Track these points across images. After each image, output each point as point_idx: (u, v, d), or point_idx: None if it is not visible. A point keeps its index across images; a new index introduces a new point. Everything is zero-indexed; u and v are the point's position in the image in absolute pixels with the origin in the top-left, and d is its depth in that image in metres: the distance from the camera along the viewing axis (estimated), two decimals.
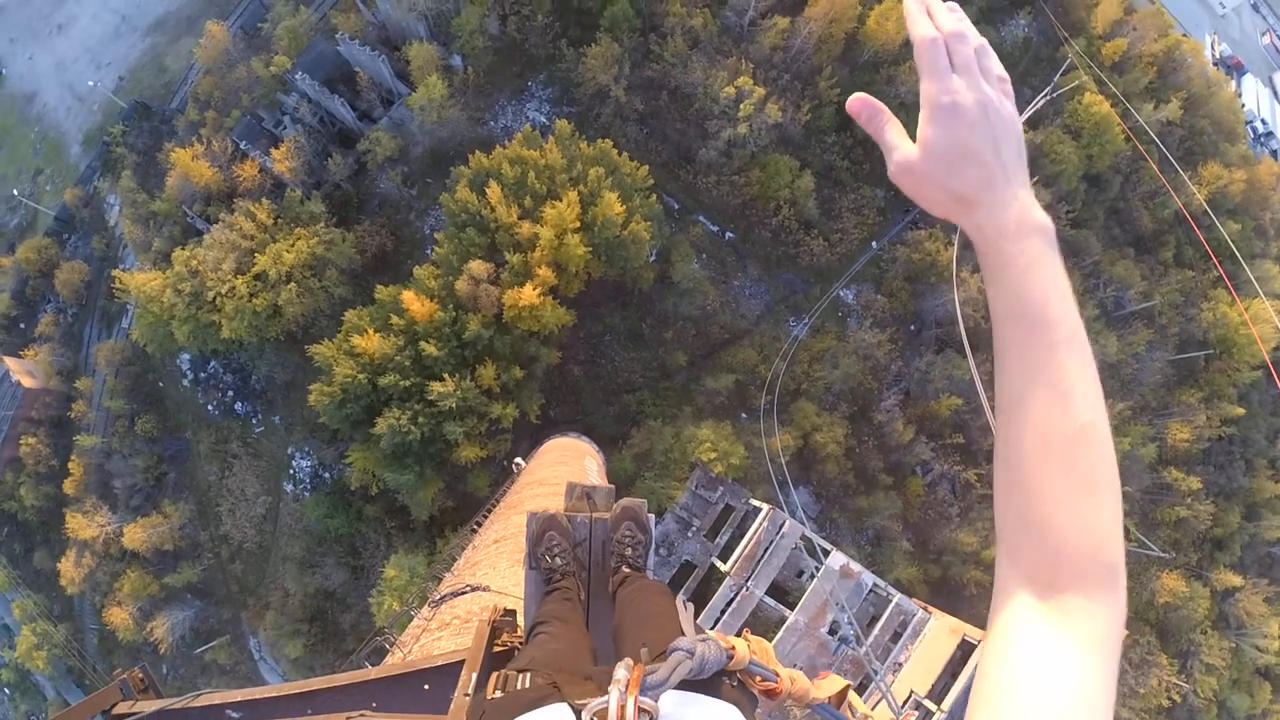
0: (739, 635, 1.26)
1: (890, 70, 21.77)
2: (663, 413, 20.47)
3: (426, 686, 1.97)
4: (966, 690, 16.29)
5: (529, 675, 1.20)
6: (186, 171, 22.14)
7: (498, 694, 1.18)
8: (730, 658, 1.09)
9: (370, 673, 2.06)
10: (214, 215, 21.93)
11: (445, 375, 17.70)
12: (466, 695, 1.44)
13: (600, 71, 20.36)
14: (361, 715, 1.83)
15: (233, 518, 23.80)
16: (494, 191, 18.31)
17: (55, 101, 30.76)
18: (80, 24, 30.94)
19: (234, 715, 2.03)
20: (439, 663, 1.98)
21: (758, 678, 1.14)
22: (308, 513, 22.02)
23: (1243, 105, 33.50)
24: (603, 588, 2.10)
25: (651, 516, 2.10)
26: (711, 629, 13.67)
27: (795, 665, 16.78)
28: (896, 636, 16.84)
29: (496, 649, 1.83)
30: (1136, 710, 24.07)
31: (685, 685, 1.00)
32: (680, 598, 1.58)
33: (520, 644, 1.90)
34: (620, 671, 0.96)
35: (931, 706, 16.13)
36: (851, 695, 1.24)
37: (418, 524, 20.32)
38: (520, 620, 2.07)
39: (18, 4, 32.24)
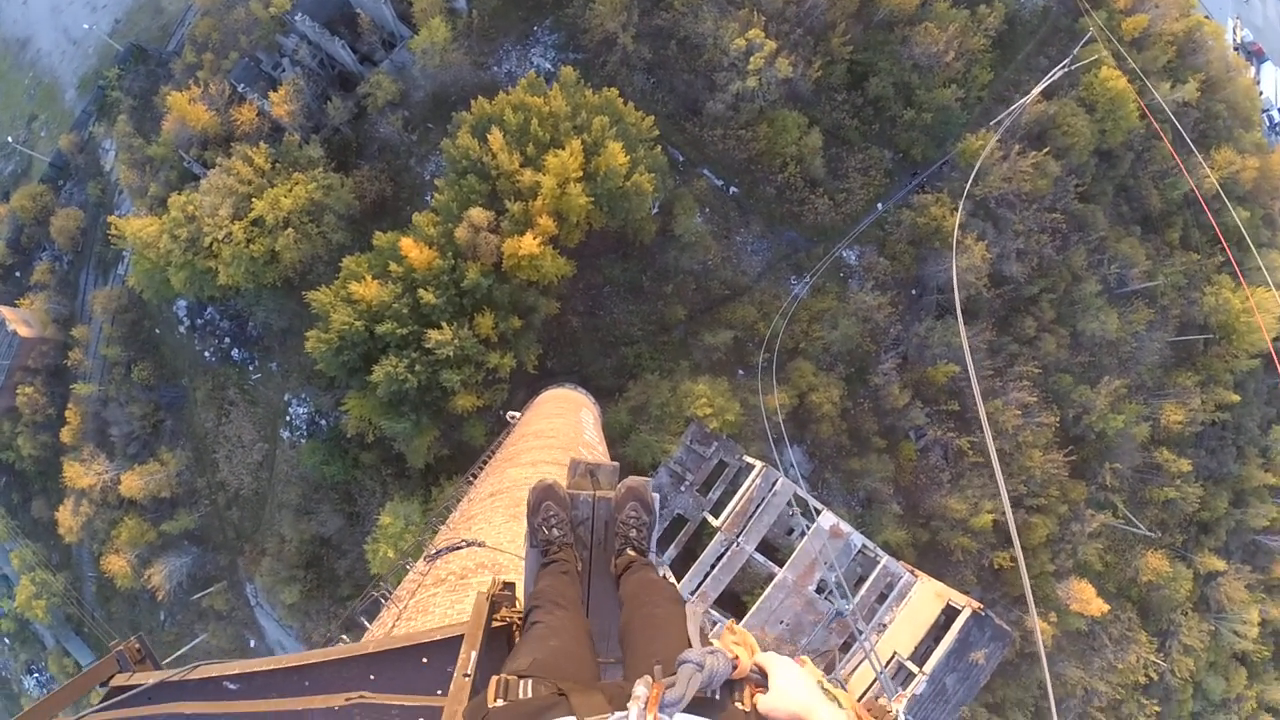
0: (726, 628, 1.26)
1: (905, 30, 21.25)
2: (660, 366, 20.38)
3: (425, 660, 1.95)
4: (949, 655, 16.60)
5: (531, 682, 1.17)
6: (183, 115, 21.68)
7: (499, 702, 1.14)
8: (735, 667, 1.11)
9: (368, 645, 2.04)
10: (211, 160, 21.55)
11: (443, 323, 17.58)
12: (466, 675, 1.43)
13: (608, 18, 19.86)
14: (360, 696, 1.79)
15: (229, 464, 23.89)
16: (496, 138, 17.98)
17: (50, 46, 30.02)
18: None
19: (231, 687, 2.00)
20: (437, 637, 1.95)
21: (753, 683, 1.14)
22: (304, 459, 22.07)
23: (1260, 93, 32.93)
24: (605, 568, 2.07)
25: (657, 497, 2.06)
26: (700, 584, 13.74)
27: (782, 623, 16.97)
28: (882, 598, 17.09)
29: (495, 624, 1.82)
30: (1114, 685, 24.59)
31: (693, 708, 1.00)
32: (689, 605, 1.52)
33: (519, 620, 1.86)
34: (640, 689, 0.97)
35: (913, 668, 16.46)
36: (805, 660, 1.22)
37: (413, 472, 20.40)
38: (519, 593, 2.06)
39: None
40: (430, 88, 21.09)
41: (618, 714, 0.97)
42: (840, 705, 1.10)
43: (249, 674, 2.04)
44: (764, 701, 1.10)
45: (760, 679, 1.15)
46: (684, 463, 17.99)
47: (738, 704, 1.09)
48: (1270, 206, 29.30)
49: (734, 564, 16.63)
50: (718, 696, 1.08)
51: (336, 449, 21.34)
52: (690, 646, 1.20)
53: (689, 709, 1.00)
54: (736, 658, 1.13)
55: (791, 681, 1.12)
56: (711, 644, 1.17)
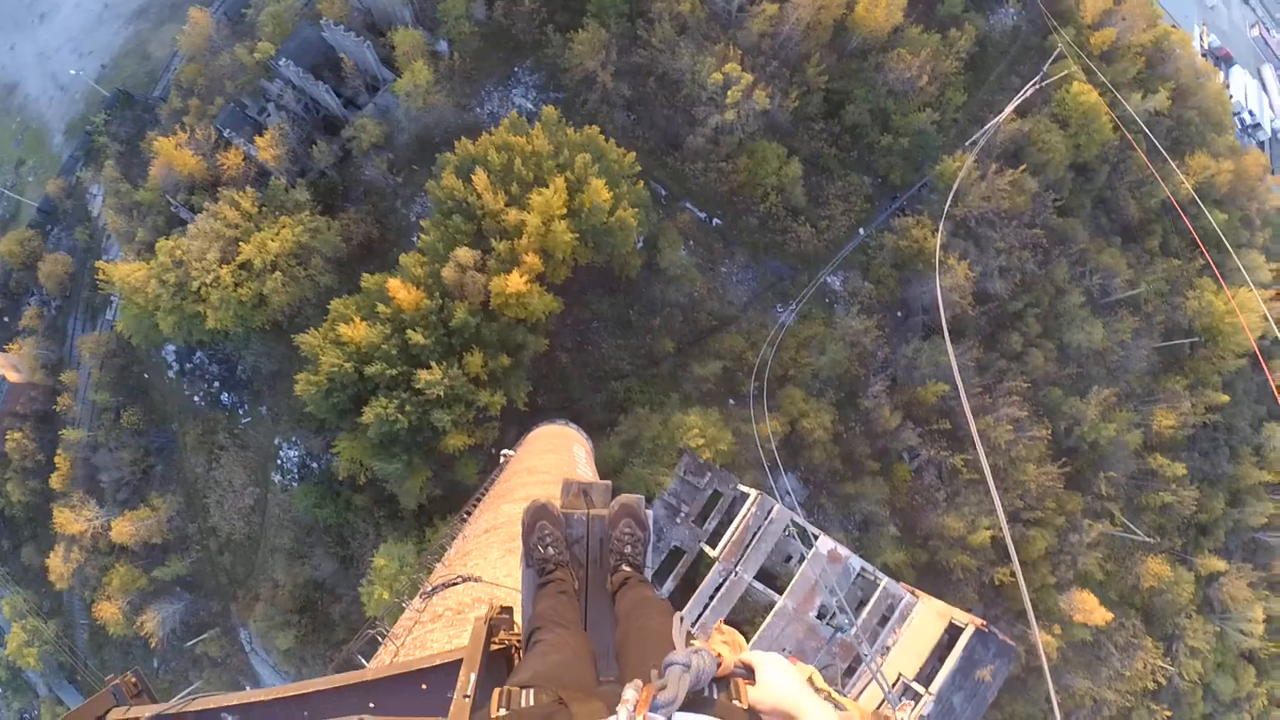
0: (715, 628, 1.31)
1: (878, 57, 21.72)
2: (650, 400, 20.45)
3: (424, 686, 1.96)
4: (954, 673, 16.44)
5: (533, 692, 1.20)
6: (170, 160, 21.85)
7: (502, 712, 1.17)
8: (719, 664, 1.15)
9: (367, 673, 2.04)
10: (198, 204, 21.68)
11: (432, 363, 17.60)
12: (466, 697, 1.45)
13: (587, 57, 20.22)
14: (361, 719, 1.81)
15: (221, 509, 23.66)
16: (480, 178, 18.17)
17: (37, 91, 30.28)
18: (63, 12, 30.43)
19: (230, 718, 2.01)
20: (436, 662, 1.96)
21: (740, 677, 1.17)
22: (296, 503, 21.91)
23: (1231, 97, 33.68)
24: (601, 585, 2.09)
25: (650, 513, 2.11)
26: (700, 615, 13.62)
27: (785, 650, 16.83)
28: (884, 620, 16.95)
29: (494, 647, 1.83)
30: (1122, 693, 24.39)
31: (688, 706, 1.02)
32: (677, 614, 1.55)
33: (517, 643, 1.89)
34: (629, 692, 0.99)
35: (920, 689, 16.27)
36: (813, 673, 1.25)
37: (406, 513, 20.26)
38: (517, 618, 2.08)
39: None
40: (414, 130, 21.37)
41: (610, 719, 0.98)
42: (845, 709, 1.10)
43: (247, 704, 2.01)
44: (751, 694, 1.12)
45: (747, 674, 1.17)
46: (678, 494, 17.91)
47: (734, 701, 1.10)
48: (1247, 207, 29.82)
49: (733, 593, 16.48)
50: (712, 694, 1.09)
51: (328, 492, 21.20)
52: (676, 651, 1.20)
53: (684, 708, 1.00)
54: (720, 655, 1.15)
55: (777, 675, 1.13)
56: (695, 645, 1.19)
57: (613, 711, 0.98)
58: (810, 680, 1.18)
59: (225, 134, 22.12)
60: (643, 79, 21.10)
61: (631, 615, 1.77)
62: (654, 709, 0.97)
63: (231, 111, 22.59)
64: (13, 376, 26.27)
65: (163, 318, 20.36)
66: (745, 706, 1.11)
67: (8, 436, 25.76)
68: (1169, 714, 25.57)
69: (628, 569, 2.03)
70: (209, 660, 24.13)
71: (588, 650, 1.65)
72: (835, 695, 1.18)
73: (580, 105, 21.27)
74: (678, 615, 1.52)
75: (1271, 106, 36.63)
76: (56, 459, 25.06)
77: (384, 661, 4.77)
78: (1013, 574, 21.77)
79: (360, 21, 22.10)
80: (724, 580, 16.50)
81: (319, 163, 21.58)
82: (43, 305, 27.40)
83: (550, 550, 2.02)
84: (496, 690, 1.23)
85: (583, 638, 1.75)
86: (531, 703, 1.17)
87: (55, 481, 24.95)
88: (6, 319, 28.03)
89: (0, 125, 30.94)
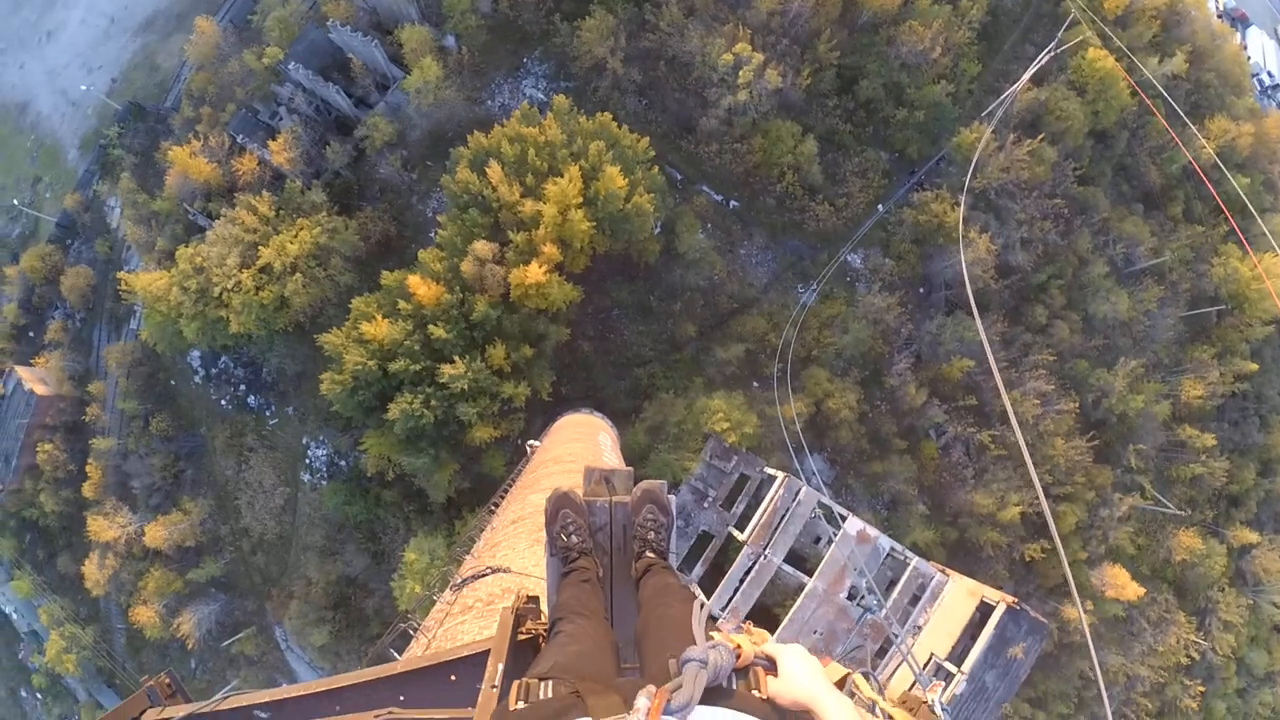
0: (742, 629, 1.28)
1: (890, 31, 21.35)
2: (674, 385, 20.40)
3: (453, 677, 1.97)
4: (987, 651, 16.34)
5: (551, 684, 1.19)
6: (185, 169, 22.08)
7: (520, 705, 1.16)
8: (738, 657, 1.12)
9: (396, 666, 2.05)
10: (215, 211, 21.90)
11: (455, 357, 17.71)
12: (494, 687, 1.45)
13: (596, 44, 20.10)
14: (389, 713, 1.80)
15: (252, 510, 24.03)
16: (495, 171, 18.17)
17: (49, 108, 30.70)
18: (69, 29, 30.80)
19: (262, 715, 2.01)
20: (464, 653, 1.97)
21: (761, 668, 1.15)
22: (326, 501, 22.20)
23: (1248, 58, 32.75)
24: (625, 572, 2.08)
25: (672, 498, 2.10)
26: (730, 599, 13.56)
27: (816, 632, 16.67)
28: (915, 600, 16.86)
29: (521, 637, 1.83)
30: (1155, 669, 24.11)
31: (706, 698, 1.00)
32: (697, 601, 1.55)
33: (544, 632, 1.89)
34: (641, 700, 0.96)
35: (952, 668, 16.20)
36: (856, 677, 1.21)
37: (435, 507, 20.44)
38: (544, 606, 2.07)
39: (6, 13, 32.13)
40: (426, 126, 21.38)
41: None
42: (893, 716, 1.06)
43: (279, 701, 2.03)
44: (771, 685, 1.11)
45: (769, 665, 1.15)
46: (705, 479, 17.91)
47: (754, 691, 1.09)
48: (1270, 170, 29.02)
49: (763, 577, 16.48)
50: (731, 684, 1.07)
51: (358, 489, 21.44)
52: (695, 644, 1.17)
53: (702, 701, 0.98)
54: (738, 647, 1.13)
55: (798, 668, 1.12)
56: (713, 638, 1.17)
57: (629, 706, 0.96)
58: (855, 685, 1.14)
59: (239, 140, 22.31)
60: (653, 63, 20.92)
61: (652, 603, 1.76)
62: (669, 712, 0.94)
63: (244, 117, 22.76)
64: (40, 389, 26.79)
65: (186, 324, 20.65)
66: (765, 697, 1.08)
67: (39, 449, 26.30)
68: (1202, 689, 25.27)
69: (651, 555, 2.01)
70: (245, 659, 24.58)
71: (609, 640, 1.63)
72: (883, 704, 1.12)
73: (591, 93, 21.13)
74: (698, 602, 1.50)
75: None
76: (88, 468, 25.56)
77: (416, 654, 4.75)
78: (1044, 550, 21.53)
79: (366, 21, 22.12)
80: (753, 564, 16.49)
81: (333, 163, 21.67)
82: (67, 318, 27.88)
83: (574, 538, 2.01)
84: (515, 683, 1.21)
85: (604, 627, 1.74)
86: (550, 695, 1.16)
87: (87, 490, 25.45)
88: (32, 333, 28.57)
89: (15, 143, 31.43)
